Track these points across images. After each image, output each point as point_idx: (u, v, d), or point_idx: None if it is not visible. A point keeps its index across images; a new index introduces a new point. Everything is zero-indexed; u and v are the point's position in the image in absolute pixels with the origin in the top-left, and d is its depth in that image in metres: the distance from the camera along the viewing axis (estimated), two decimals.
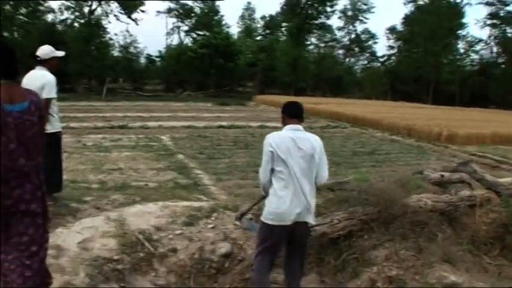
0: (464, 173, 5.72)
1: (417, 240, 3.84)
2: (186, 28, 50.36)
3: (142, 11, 40.23)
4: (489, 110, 39.45)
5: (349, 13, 60.62)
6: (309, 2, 44.56)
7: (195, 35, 47.22)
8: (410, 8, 54.92)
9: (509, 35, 58.48)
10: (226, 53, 36.87)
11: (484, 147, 16.33)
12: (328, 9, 46.94)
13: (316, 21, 46.84)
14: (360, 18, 62.28)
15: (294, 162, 3.17)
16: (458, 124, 19.12)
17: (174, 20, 50.79)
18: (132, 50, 40.39)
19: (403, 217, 3.93)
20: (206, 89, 38.53)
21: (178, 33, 52.05)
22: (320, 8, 45.25)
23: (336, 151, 12.47)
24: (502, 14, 57.87)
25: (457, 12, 51.21)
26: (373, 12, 61.97)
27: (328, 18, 48.11)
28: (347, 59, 64.74)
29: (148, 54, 42.50)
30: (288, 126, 3.31)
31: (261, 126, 18.03)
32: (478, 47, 59.80)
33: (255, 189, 7.57)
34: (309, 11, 45.10)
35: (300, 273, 3.38)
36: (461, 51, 57.14)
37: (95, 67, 34.51)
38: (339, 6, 51.41)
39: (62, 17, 38.81)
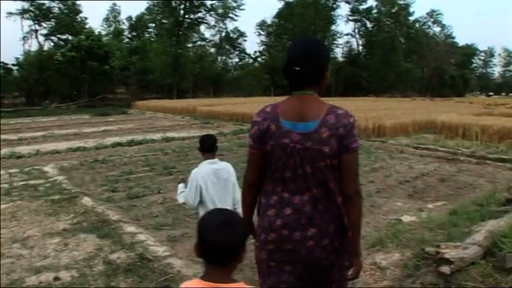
0: None
1: None
2: (45, 32, 43.99)
3: None
4: (374, 98, 40.39)
5: (220, 11, 59.05)
6: None
7: (56, 39, 41.29)
8: (282, 3, 55.08)
9: (369, 28, 62.22)
10: (99, 56, 32.19)
11: (412, 137, 15.19)
12: (208, 2, 44.34)
13: (195, 16, 43.80)
14: (231, 15, 61.24)
15: (216, 192, 3.76)
16: (375, 115, 17.89)
17: (30, 22, 44.10)
18: None
19: None
20: (77, 98, 33.44)
21: (36, 37, 45.37)
22: (199, 2, 42.29)
23: None
24: (361, 10, 61.37)
25: (331, 6, 52.53)
26: (243, 9, 61.29)
27: (208, 11, 45.46)
28: (219, 58, 63.46)
29: (3, 63, 35.49)
30: (206, 161, 3.83)
31: (166, 139, 14.83)
32: (341, 41, 62.67)
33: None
34: (187, 5, 41.68)
35: None
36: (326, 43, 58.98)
37: None
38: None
39: None
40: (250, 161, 2.21)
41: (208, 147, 3.87)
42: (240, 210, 3.63)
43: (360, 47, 64.20)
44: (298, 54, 2.06)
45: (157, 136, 15.47)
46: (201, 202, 3.79)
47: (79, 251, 4.86)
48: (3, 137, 14.88)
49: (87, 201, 6.90)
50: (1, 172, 9.21)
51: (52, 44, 43.62)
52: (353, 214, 2.04)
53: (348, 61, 61.19)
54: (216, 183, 3.76)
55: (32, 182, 8.31)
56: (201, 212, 3.70)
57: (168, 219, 6.05)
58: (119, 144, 13.53)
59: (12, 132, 16.75)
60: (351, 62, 60.06)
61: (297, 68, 2.01)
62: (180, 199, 3.95)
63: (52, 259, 4.63)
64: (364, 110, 21.19)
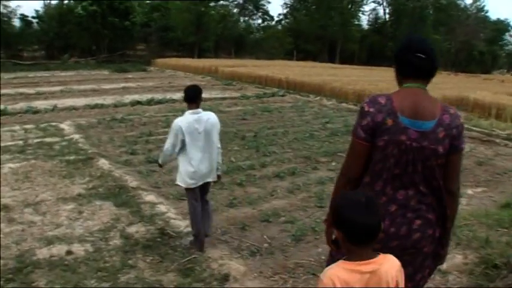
0: None
1: None
2: None
3: None
4: None
5: None
6: None
7: None
8: None
9: None
10: (121, 11, 31.43)
11: None
12: None
13: None
14: None
15: (197, 141, 3.87)
16: None
17: None
18: (1, 9, 31.89)
19: None
20: (97, 53, 32.94)
21: None
22: None
23: (307, 129, 9.59)
24: None
25: None
26: None
27: None
28: (241, 18, 62.11)
29: (22, 15, 34.40)
30: (189, 111, 3.93)
31: None
32: (366, 8, 60.57)
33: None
34: None
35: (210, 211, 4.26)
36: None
37: None
38: None
39: None
40: (356, 153, 2.05)
41: (191, 98, 3.95)
42: (220, 172, 4.25)
43: (387, 16, 62.08)
44: (422, 44, 2.05)
45: (178, 96, 14.95)
46: (182, 150, 3.92)
47: (94, 220, 4.49)
48: (20, 90, 14.59)
49: (103, 163, 6.53)
50: (16, 127, 8.90)
51: None
52: (453, 209, 2.13)
53: (373, 29, 59.39)
54: (198, 132, 3.86)
55: (47, 139, 7.97)
56: (182, 160, 3.95)
57: None
58: (139, 102, 13.12)
59: (30, 85, 16.41)
60: (377, 30, 58.29)
61: (423, 56, 1.98)
62: (160, 159, 4.17)
63: (65, 228, 4.27)
64: (390, 81, 20.33)
